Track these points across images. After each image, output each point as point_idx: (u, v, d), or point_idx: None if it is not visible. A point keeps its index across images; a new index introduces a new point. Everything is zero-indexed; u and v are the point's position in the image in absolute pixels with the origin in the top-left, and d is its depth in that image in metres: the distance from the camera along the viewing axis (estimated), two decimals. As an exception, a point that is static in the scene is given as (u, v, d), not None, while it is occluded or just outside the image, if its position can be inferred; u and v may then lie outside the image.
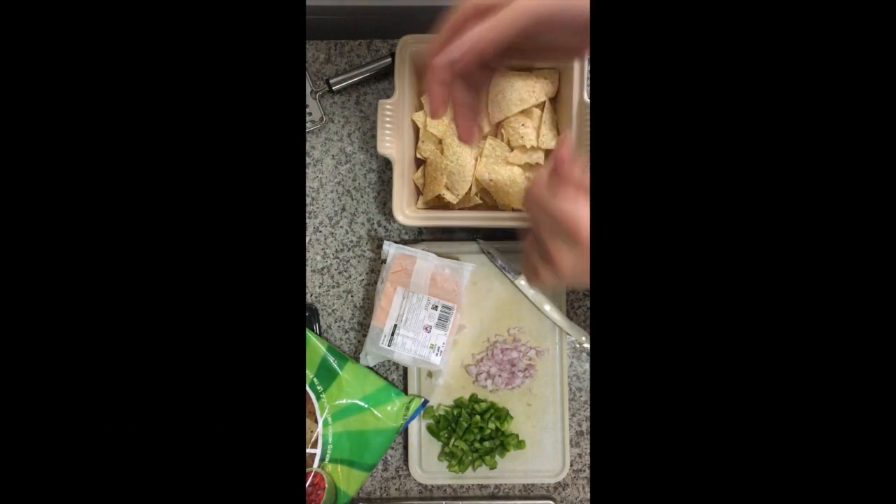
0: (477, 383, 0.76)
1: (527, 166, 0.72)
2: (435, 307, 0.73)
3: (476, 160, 0.72)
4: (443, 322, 0.73)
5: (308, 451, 0.71)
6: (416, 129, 0.75)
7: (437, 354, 0.72)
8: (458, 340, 0.77)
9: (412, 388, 0.76)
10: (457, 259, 0.75)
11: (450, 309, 0.73)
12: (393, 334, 0.72)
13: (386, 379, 0.77)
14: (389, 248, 0.75)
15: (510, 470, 0.76)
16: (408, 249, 0.75)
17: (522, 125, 0.71)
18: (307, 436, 0.71)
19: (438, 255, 0.75)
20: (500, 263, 0.75)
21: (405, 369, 0.77)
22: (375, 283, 0.77)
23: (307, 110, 0.75)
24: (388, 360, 0.77)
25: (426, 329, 0.72)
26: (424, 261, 0.74)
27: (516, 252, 0.76)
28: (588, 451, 0.77)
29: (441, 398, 0.77)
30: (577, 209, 0.47)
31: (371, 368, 0.77)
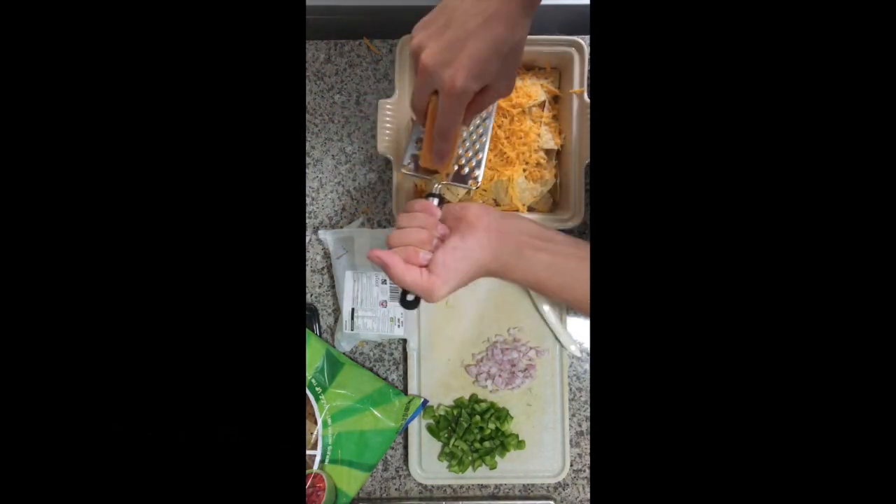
0: (477, 383, 0.76)
1: (527, 165, 0.72)
2: (384, 281, 0.75)
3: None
4: (395, 294, 0.74)
5: (308, 452, 0.71)
6: (416, 129, 0.75)
7: (398, 326, 0.74)
8: (458, 339, 0.77)
9: (411, 375, 0.76)
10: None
11: None
12: (353, 318, 0.74)
13: (385, 379, 0.77)
14: (326, 236, 0.77)
15: (510, 470, 0.76)
16: (343, 232, 0.76)
17: (523, 125, 0.71)
18: (307, 437, 0.71)
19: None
20: None
21: (405, 369, 0.77)
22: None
23: None
24: (383, 352, 0.77)
25: (382, 304, 0.74)
26: (361, 237, 0.75)
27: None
28: (588, 451, 0.77)
29: (441, 398, 0.77)
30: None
31: (370, 369, 0.77)
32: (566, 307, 0.76)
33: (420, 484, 0.77)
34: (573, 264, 0.53)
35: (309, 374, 0.73)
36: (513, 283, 0.54)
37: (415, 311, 0.76)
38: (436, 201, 0.58)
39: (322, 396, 0.72)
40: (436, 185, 0.60)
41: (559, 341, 0.76)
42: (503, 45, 0.48)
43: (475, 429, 0.74)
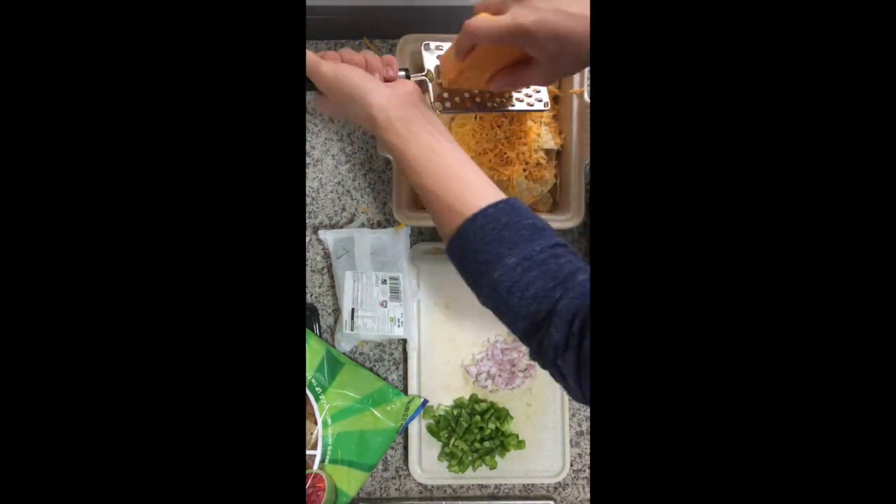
0: (477, 383, 0.76)
1: (527, 165, 0.72)
2: (384, 281, 0.74)
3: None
4: (395, 294, 0.74)
5: (308, 452, 0.71)
6: (416, 129, 0.74)
7: (398, 326, 0.74)
8: (458, 339, 0.77)
9: (411, 377, 0.76)
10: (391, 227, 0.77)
11: (396, 279, 0.74)
12: (353, 318, 0.74)
13: (385, 379, 0.77)
14: (326, 236, 0.77)
15: (510, 470, 0.76)
16: (343, 232, 0.76)
17: (523, 125, 0.71)
18: (307, 437, 0.71)
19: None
20: None
21: (405, 369, 0.77)
22: (375, 283, 0.77)
23: None
24: (383, 352, 0.77)
25: (382, 305, 0.74)
26: (361, 237, 0.75)
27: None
28: (588, 451, 0.77)
29: (441, 398, 0.77)
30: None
31: (370, 369, 0.77)
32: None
33: (420, 484, 0.77)
34: (449, 163, 0.55)
35: (309, 374, 0.72)
36: (384, 147, 0.59)
37: (415, 311, 0.76)
38: (402, 73, 0.60)
39: (322, 396, 0.72)
40: (417, 74, 0.63)
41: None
42: (575, 40, 0.51)
43: (475, 429, 0.74)
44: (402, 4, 0.72)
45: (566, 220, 0.70)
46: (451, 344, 0.77)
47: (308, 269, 0.78)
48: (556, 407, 0.76)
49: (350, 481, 0.72)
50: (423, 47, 0.65)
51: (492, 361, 0.76)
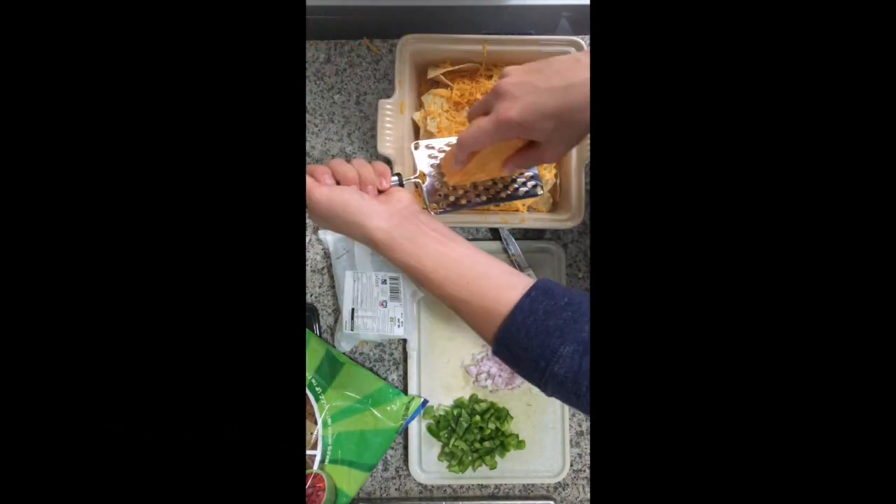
0: (477, 383, 0.76)
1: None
2: (384, 281, 0.74)
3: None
4: (395, 294, 0.74)
5: (308, 452, 0.71)
6: (416, 129, 0.75)
7: (398, 326, 0.73)
8: (458, 339, 0.77)
9: (410, 376, 0.76)
10: None
11: (396, 279, 0.74)
12: (353, 318, 0.74)
13: (385, 379, 0.77)
14: (326, 236, 0.77)
15: (510, 470, 0.76)
16: None
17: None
18: (307, 437, 0.71)
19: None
20: (513, 251, 0.76)
21: (405, 369, 0.77)
22: (375, 283, 0.77)
23: None
24: (383, 352, 0.77)
25: (382, 304, 0.74)
26: None
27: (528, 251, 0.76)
28: (588, 451, 0.77)
29: (441, 398, 0.77)
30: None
31: (370, 369, 0.77)
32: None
33: (420, 484, 0.77)
34: (466, 264, 0.54)
35: (309, 374, 0.73)
36: (395, 266, 0.56)
37: (415, 311, 0.76)
38: (395, 179, 0.59)
39: (322, 396, 0.72)
40: (410, 177, 0.63)
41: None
42: (567, 112, 0.50)
43: (475, 429, 0.74)
44: (402, 4, 0.72)
45: (566, 220, 0.70)
46: (451, 344, 0.77)
47: (308, 269, 0.78)
48: (556, 407, 0.76)
49: (350, 481, 0.72)
50: (412, 147, 0.63)
51: (492, 361, 0.76)
